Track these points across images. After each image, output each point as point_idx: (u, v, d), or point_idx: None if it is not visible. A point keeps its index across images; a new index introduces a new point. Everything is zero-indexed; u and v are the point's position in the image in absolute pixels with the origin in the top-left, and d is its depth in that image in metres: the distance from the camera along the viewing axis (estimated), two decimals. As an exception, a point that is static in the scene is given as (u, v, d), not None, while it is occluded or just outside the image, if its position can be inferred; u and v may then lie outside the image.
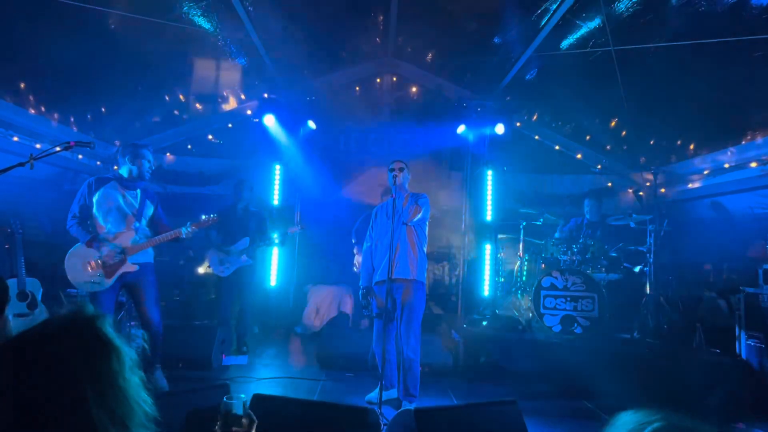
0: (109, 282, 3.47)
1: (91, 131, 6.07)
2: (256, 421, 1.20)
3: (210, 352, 4.33)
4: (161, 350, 3.67)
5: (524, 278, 5.79)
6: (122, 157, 3.62)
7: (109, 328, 0.85)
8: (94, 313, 0.87)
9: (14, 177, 2.81)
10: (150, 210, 3.71)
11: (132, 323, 4.51)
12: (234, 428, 1.16)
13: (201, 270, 6.22)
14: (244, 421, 1.17)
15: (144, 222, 3.66)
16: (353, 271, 5.66)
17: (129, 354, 0.86)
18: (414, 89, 6.96)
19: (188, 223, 3.62)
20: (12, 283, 4.16)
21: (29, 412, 0.73)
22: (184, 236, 3.61)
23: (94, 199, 3.54)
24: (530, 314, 5.07)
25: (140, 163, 3.59)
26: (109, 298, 3.50)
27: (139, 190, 3.67)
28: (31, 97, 5.12)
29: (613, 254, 5.32)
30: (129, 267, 3.50)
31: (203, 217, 3.72)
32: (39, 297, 4.26)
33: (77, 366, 0.78)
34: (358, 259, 5.75)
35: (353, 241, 5.85)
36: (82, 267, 3.47)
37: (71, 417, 0.74)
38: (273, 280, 6.37)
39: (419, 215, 3.65)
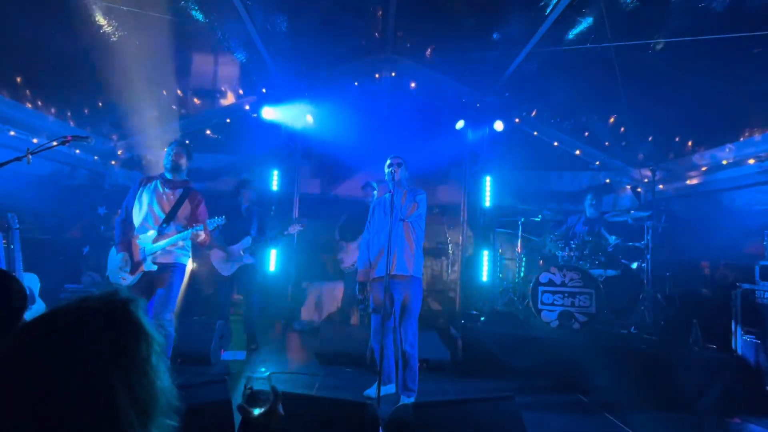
0: (133, 279, 3.53)
1: (89, 126, 6.05)
2: (281, 394, 1.20)
3: (209, 348, 4.33)
4: (168, 358, 3.46)
5: (522, 274, 5.81)
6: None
7: (141, 313, 0.85)
8: (127, 296, 0.86)
9: (11, 172, 2.80)
10: (187, 210, 3.62)
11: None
12: (260, 401, 1.17)
13: (195, 266, 6.21)
14: (269, 395, 1.18)
15: (174, 223, 3.56)
16: (345, 267, 5.67)
17: (158, 341, 0.85)
18: (413, 85, 6.94)
19: (195, 226, 3.50)
20: (9, 278, 4.14)
21: (53, 388, 0.72)
22: (191, 237, 3.51)
23: (136, 197, 3.61)
24: (528, 310, 5.08)
25: (166, 158, 3.61)
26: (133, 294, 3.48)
27: (181, 190, 3.62)
28: (27, 92, 5.09)
29: (611, 250, 5.34)
30: (148, 266, 3.51)
31: (217, 220, 3.59)
32: (37, 292, 4.26)
33: (106, 346, 0.78)
34: (341, 256, 5.75)
35: (336, 238, 5.84)
36: (116, 261, 3.57)
37: (95, 398, 0.74)
38: (272, 265, 6.34)
39: (416, 211, 3.65)
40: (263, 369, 1.20)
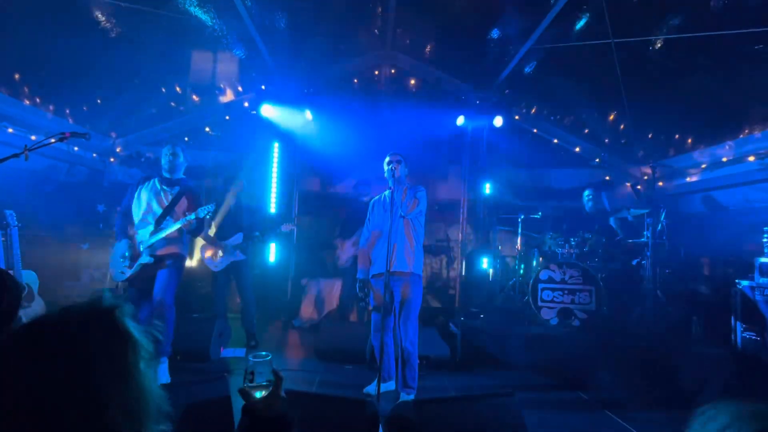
0: (131, 271, 3.71)
1: (87, 123, 6.02)
2: (284, 379, 1.20)
3: (208, 345, 4.33)
4: (169, 341, 3.69)
5: (522, 271, 5.80)
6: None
7: (127, 319, 0.85)
8: (113, 303, 0.86)
9: (10, 168, 2.79)
10: (184, 206, 3.81)
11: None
12: (261, 384, 1.18)
13: (194, 263, 6.21)
14: (271, 379, 1.18)
15: (172, 218, 3.75)
16: (341, 264, 5.66)
17: (145, 347, 0.85)
18: (412, 82, 6.92)
19: (183, 217, 3.69)
20: (8, 275, 4.13)
21: (42, 397, 0.72)
22: (183, 226, 3.68)
23: (135, 195, 3.81)
24: (528, 307, 5.08)
25: (163, 159, 3.84)
26: (132, 286, 3.75)
27: (178, 188, 3.82)
28: (26, 89, 5.07)
29: (611, 248, 5.34)
30: (145, 259, 3.69)
31: (208, 207, 3.73)
32: (36, 290, 4.24)
33: (93, 354, 0.77)
34: (338, 253, 5.75)
35: (336, 234, 5.85)
36: (118, 252, 3.77)
37: (84, 406, 0.73)
38: (272, 256, 6.34)
39: (416, 208, 3.64)
40: (264, 353, 1.18)
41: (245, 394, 1.17)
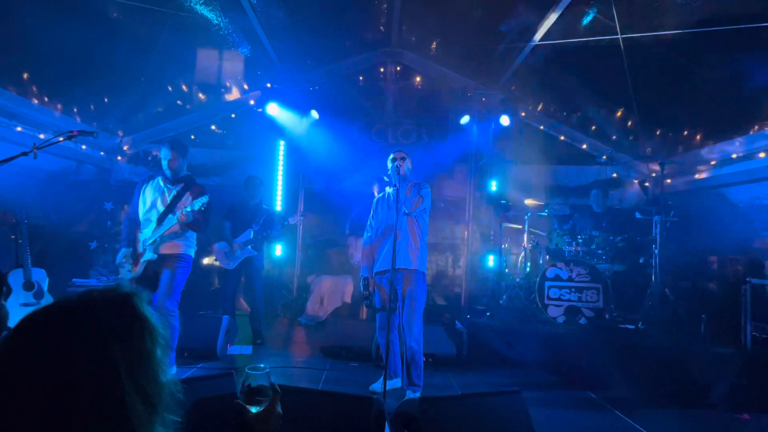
0: (137, 271, 3.73)
1: (94, 121, 6.06)
2: (280, 392, 1.15)
3: (215, 342, 4.35)
4: (174, 348, 3.64)
5: (528, 269, 5.78)
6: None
7: (145, 306, 0.85)
8: (131, 289, 0.87)
9: (18, 167, 2.80)
10: (188, 203, 3.73)
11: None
12: (257, 399, 1.11)
13: (205, 260, 6.24)
14: (268, 391, 1.12)
15: (174, 215, 3.70)
16: (354, 262, 5.68)
17: (162, 334, 0.86)
18: (418, 79, 6.90)
19: (177, 212, 3.61)
20: (18, 273, 4.18)
21: (60, 379, 0.72)
22: (181, 221, 3.63)
23: (141, 193, 3.82)
24: (534, 305, 5.06)
25: (163, 162, 3.79)
26: (139, 284, 3.72)
27: (182, 184, 3.80)
28: (34, 88, 5.11)
29: (619, 245, 5.30)
30: (149, 255, 3.69)
31: (203, 199, 3.64)
32: (45, 287, 4.29)
33: (112, 339, 0.77)
34: (351, 251, 5.76)
35: (347, 232, 5.85)
36: (120, 256, 3.82)
37: (102, 390, 0.74)
38: (278, 250, 6.35)
39: (421, 205, 3.63)
40: (262, 365, 1.12)
41: (240, 409, 1.10)
